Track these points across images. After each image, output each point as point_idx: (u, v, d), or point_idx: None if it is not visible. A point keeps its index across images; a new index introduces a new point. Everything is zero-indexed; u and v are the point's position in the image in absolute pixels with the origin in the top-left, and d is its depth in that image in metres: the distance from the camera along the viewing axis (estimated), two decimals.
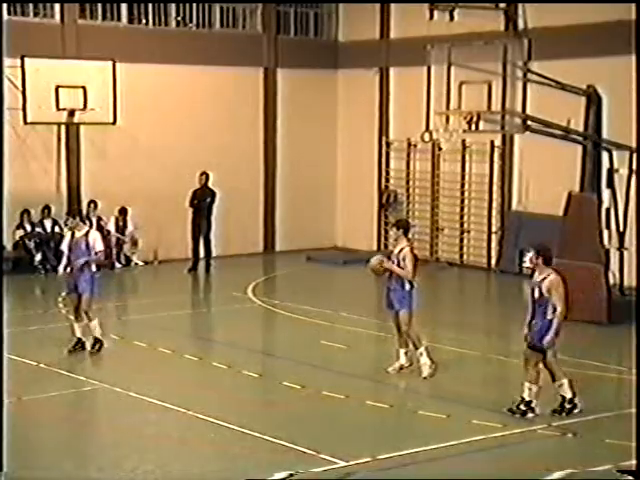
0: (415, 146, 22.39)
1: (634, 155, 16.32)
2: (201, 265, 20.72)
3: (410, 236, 12.88)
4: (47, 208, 20.56)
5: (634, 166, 16.35)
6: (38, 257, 20.29)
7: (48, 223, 20.60)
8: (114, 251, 21.03)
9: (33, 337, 14.69)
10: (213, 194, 20.61)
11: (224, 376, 12.67)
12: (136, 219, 21.25)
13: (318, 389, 11.81)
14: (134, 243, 21.44)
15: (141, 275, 20.99)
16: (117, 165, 20.85)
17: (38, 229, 20.53)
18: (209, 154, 21.62)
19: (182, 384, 12.24)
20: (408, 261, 12.24)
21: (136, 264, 21.44)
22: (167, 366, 13.23)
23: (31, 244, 20.32)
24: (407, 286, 12.33)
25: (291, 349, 14.08)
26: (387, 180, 23.37)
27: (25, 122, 19.31)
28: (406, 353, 12.52)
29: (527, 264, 11.00)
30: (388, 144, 23.21)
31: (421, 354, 12.39)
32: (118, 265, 21.11)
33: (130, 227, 21.31)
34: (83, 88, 19.54)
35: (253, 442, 9.93)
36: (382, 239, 23.58)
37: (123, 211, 21.15)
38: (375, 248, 23.57)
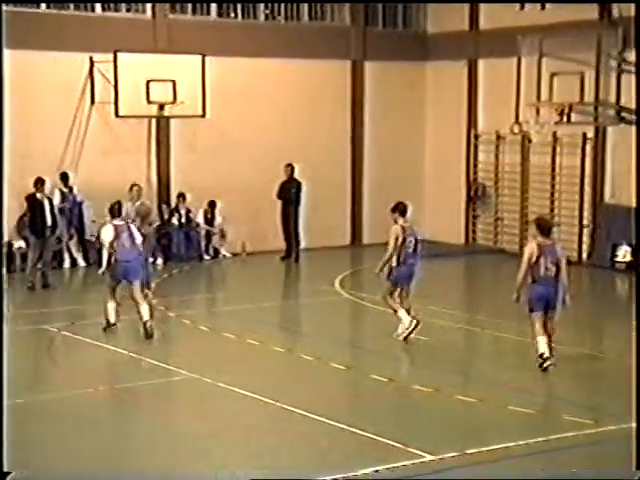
0: (504, 138, 22.09)
1: None
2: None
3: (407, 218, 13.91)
4: None
5: None
6: None
7: None
8: (202, 243, 21.24)
9: (125, 326, 14.74)
10: (299, 185, 20.81)
11: (312, 368, 12.67)
12: (224, 211, 21.39)
13: (406, 382, 11.75)
14: (222, 235, 21.59)
15: (229, 267, 21.09)
16: (206, 158, 21.01)
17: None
18: (297, 147, 21.67)
19: (270, 375, 12.31)
20: (390, 239, 13.64)
21: (224, 256, 21.60)
22: (255, 357, 13.29)
23: None
24: (393, 262, 13.64)
25: (378, 342, 14.00)
26: (475, 173, 23.11)
27: (117, 115, 19.56)
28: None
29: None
30: (477, 136, 22.95)
31: (399, 316, 13.77)
32: (206, 257, 21.27)
33: (218, 219, 21.48)
34: (173, 82, 19.66)
35: (341, 434, 9.91)
36: (470, 232, 23.36)
37: (212, 204, 21.33)
38: (463, 241, 23.37)
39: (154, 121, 20.69)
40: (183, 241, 20.86)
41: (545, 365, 11.98)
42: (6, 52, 18.79)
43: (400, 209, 13.81)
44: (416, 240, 13.80)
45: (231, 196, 21.22)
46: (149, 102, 19.60)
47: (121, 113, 19.50)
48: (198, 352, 13.53)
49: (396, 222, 13.72)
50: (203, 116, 20.08)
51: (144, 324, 13.76)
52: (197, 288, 18.63)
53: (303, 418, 10.40)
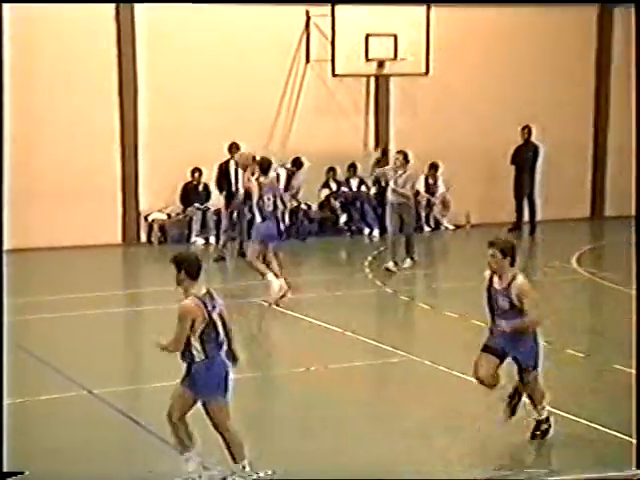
0: None
1: None
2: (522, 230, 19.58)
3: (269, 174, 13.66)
4: (353, 166, 19.74)
5: None
6: (343, 218, 19.54)
7: (354, 182, 19.76)
8: (423, 214, 19.88)
9: (338, 302, 14.19)
10: (536, 149, 19.53)
11: (546, 354, 11.02)
12: (447, 179, 19.99)
13: None
14: (445, 205, 20.22)
15: (452, 240, 19.93)
16: (428, 119, 19.75)
17: (344, 188, 19.71)
18: (530, 105, 20.06)
19: None
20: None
21: (446, 228, 20.28)
22: (479, 340, 11.83)
23: (336, 204, 19.54)
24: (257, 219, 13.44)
25: (622, 328, 12.15)
26: None
27: (333, 74, 18.67)
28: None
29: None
30: None
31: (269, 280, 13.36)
32: (427, 228, 20.05)
33: (441, 188, 20.09)
34: (394, 36, 18.55)
35: (582, 429, 8.89)
36: None
37: (433, 167, 19.87)
38: None
39: (372, 80, 19.65)
40: None
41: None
42: (215, 7, 18.39)
43: (259, 163, 13.67)
44: (275, 197, 13.51)
45: (455, 162, 19.89)
46: (368, 59, 18.62)
47: (338, 72, 18.62)
48: (417, 332, 13.15)
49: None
50: (427, 74, 18.86)
51: None
52: (416, 262, 17.36)
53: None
